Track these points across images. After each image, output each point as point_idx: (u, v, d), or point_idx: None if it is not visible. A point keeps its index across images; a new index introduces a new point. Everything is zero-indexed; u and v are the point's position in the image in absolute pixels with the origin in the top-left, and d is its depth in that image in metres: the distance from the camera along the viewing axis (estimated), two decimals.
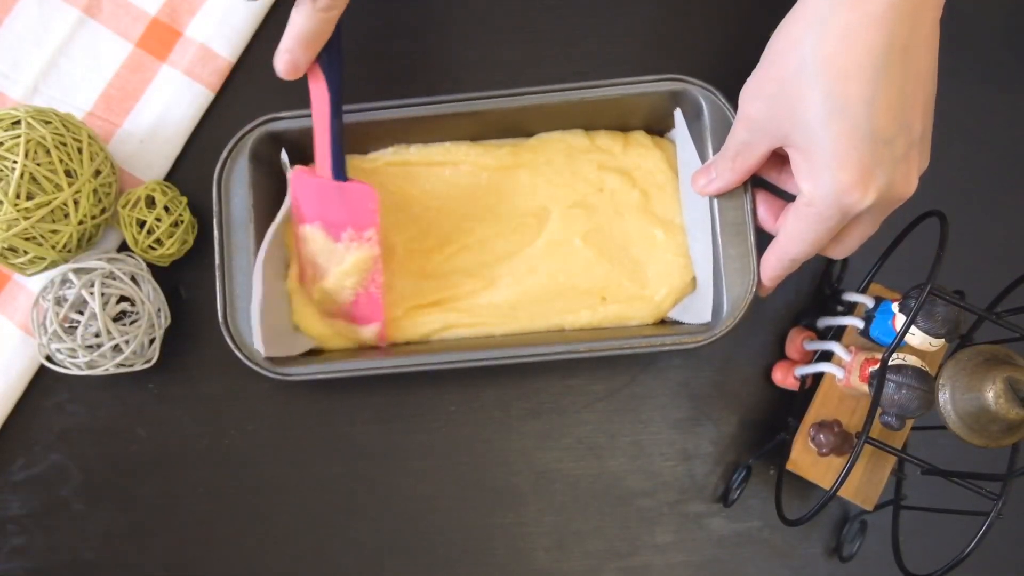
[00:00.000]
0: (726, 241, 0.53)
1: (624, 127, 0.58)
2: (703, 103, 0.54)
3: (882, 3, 0.41)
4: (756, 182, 0.53)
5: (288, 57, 0.47)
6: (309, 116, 0.53)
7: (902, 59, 0.42)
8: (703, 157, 0.55)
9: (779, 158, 0.50)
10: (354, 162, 0.57)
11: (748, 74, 0.49)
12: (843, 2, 0.42)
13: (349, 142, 0.57)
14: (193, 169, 0.59)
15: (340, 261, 0.55)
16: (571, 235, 0.57)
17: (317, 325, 0.56)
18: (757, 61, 0.48)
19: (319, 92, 0.50)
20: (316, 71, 0.49)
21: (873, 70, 0.41)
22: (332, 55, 0.48)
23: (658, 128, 0.59)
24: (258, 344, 0.52)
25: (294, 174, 0.54)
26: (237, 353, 0.52)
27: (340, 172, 0.52)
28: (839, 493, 0.48)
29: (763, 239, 0.54)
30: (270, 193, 0.55)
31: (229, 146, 0.53)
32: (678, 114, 0.55)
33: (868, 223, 0.47)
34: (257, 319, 0.51)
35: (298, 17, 0.46)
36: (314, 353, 0.56)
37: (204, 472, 0.57)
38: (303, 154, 0.56)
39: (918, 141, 0.44)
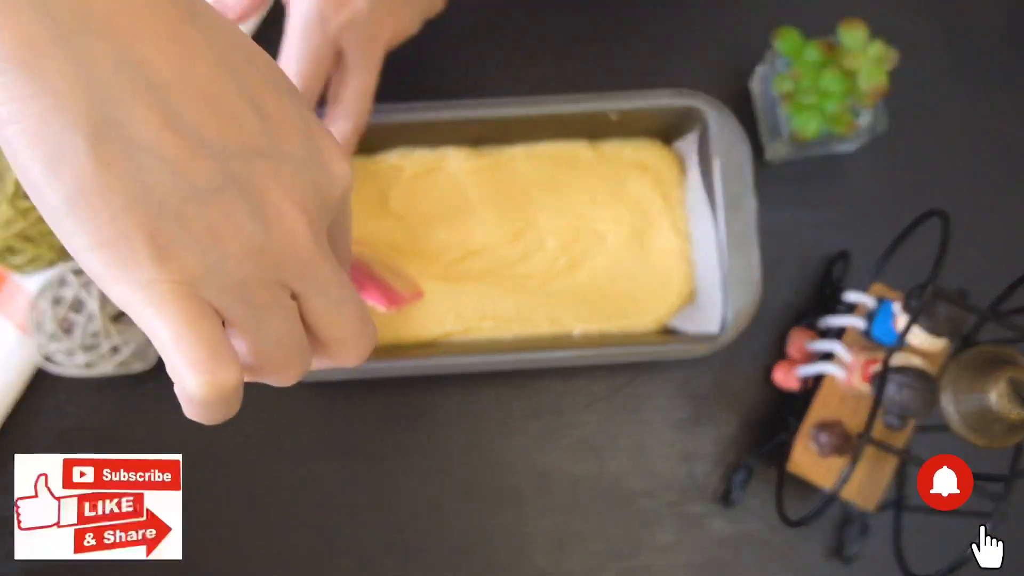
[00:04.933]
0: (730, 253, 0.54)
1: (630, 136, 0.59)
2: (711, 118, 0.54)
3: None
4: None
5: None
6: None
7: None
8: (710, 174, 0.55)
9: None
10: (359, 163, 0.57)
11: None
12: None
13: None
14: None
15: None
16: (578, 241, 0.57)
17: None
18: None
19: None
20: None
21: None
22: None
23: (663, 140, 0.59)
24: None
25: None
26: None
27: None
28: (840, 494, 0.48)
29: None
30: None
31: None
32: (695, 135, 0.56)
33: (358, 66, 0.48)
34: None
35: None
36: None
37: (203, 472, 0.57)
38: None
39: None
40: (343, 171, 0.29)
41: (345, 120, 0.49)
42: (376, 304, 0.52)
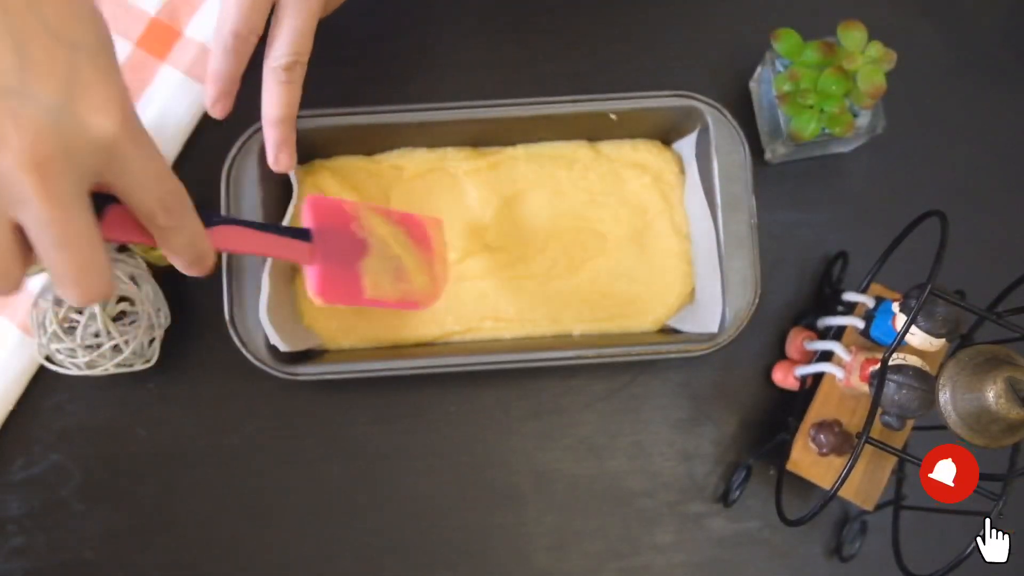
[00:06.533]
0: (729, 253, 0.54)
1: (630, 137, 0.59)
2: (710, 119, 0.54)
3: None
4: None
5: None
6: (317, 115, 0.53)
7: None
8: (710, 174, 0.55)
9: None
10: (359, 163, 0.57)
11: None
12: None
13: (355, 143, 0.57)
14: (192, 169, 0.59)
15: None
16: (578, 242, 0.57)
17: (329, 323, 0.56)
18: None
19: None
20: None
21: None
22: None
23: (662, 140, 0.59)
24: (275, 340, 0.52)
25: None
26: (244, 352, 0.52)
27: (300, 233, 0.49)
28: (839, 493, 0.48)
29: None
30: (278, 191, 0.55)
31: (238, 144, 0.53)
32: (694, 136, 0.56)
33: (291, 6, 0.48)
34: (267, 317, 0.51)
35: None
36: (317, 354, 0.56)
37: (204, 472, 0.57)
38: (311, 151, 0.56)
39: None
40: (99, 125, 0.32)
41: (276, 60, 0.49)
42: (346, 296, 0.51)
